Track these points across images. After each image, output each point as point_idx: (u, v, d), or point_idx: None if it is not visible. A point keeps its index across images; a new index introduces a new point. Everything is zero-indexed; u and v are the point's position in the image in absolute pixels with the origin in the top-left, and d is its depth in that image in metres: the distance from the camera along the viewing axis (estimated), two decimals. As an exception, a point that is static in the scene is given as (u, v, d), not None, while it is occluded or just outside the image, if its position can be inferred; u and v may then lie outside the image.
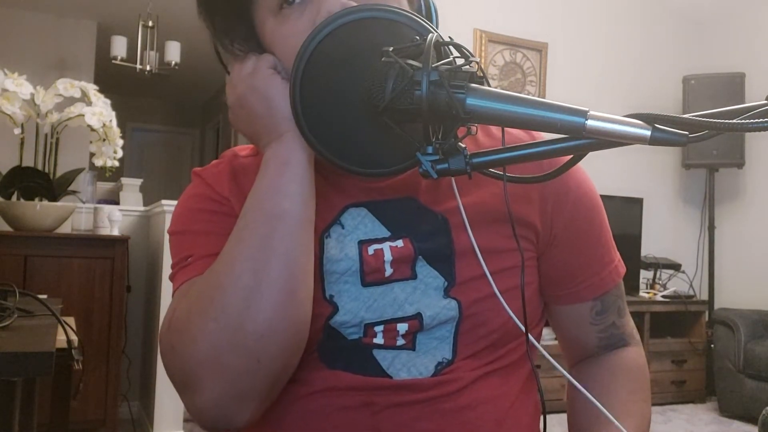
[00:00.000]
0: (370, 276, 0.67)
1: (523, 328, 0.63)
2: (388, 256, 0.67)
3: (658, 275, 4.17)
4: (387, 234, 0.68)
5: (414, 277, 0.67)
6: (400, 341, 0.67)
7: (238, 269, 0.60)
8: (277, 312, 0.59)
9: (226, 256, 0.62)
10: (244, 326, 0.58)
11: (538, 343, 0.72)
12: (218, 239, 0.67)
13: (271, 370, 0.60)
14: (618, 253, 0.79)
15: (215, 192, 0.73)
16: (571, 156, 0.57)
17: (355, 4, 0.60)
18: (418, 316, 0.66)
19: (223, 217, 0.71)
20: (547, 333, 0.72)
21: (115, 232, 2.87)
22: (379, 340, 0.66)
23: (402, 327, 0.66)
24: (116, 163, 2.77)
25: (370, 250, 0.68)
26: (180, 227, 0.73)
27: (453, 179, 0.66)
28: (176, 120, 8.53)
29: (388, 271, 0.67)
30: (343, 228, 0.69)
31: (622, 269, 0.79)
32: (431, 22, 0.69)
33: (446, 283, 0.67)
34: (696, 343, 3.97)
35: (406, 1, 0.67)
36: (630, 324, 0.81)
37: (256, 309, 0.59)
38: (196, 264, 0.68)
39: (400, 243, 0.68)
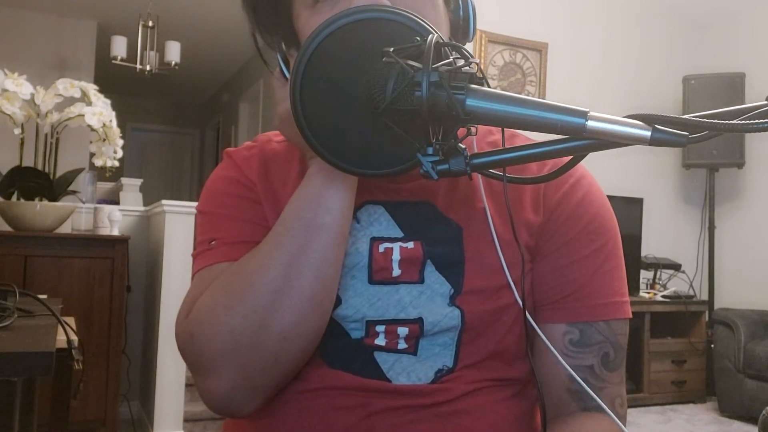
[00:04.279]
0: (378, 274, 0.67)
1: (538, 329, 0.63)
2: (396, 256, 0.68)
3: (658, 275, 4.17)
4: (400, 234, 0.69)
5: (421, 281, 0.67)
6: (402, 344, 0.67)
7: (272, 272, 0.62)
8: (302, 317, 0.62)
9: (261, 257, 0.64)
10: (270, 326, 0.61)
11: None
12: (243, 225, 0.70)
13: (286, 369, 0.63)
14: (625, 297, 0.71)
15: (244, 175, 0.74)
16: (572, 157, 0.57)
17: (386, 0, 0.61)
18: (419, 320, 0.66)
19: (249, 203, 0.72)
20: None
21: (115, 232, 2.87)
22: (380, 341, 0.67)
23: (402, 330, 0.66)
24: (116, 163, 2.77)
25: (381, 248, 0.68)
26: (207, 207, 0.74)
27: (483, 189, 0.67)
28: (176, 120, 8.52)
29: (396, 271, 0.67)
30: (358, 223, 0.70)
31: (623, 310, 0.70)
32: (469, 23, 0.69)
33: (452, 291, 0.67)
34: (696, 343, 3.97)
35: (441, 1, 0.68)
36: (618, 391, 0.69)
37: (283, 312, 0.61)
38: (219, 249, 0.70)
39: (410, 245, 0.68)
